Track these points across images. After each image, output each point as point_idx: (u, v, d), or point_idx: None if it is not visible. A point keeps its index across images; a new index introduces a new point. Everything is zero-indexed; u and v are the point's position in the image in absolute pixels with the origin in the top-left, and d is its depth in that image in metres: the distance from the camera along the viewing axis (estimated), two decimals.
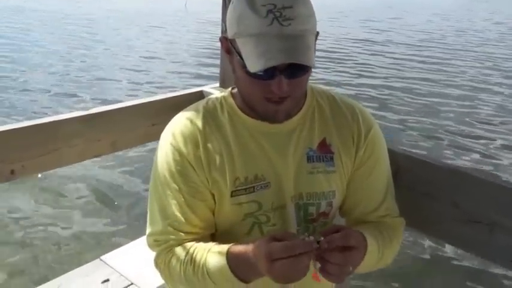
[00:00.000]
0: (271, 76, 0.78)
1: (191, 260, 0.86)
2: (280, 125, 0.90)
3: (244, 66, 0.78)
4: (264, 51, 0.75)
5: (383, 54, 10.43)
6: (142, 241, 0.96)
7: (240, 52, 0.79)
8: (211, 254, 0.85)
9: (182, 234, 0.88)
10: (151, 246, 0.93)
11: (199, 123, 0.90)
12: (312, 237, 0.73)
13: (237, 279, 0.81)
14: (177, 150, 0.88)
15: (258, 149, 0.90)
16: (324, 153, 0.92)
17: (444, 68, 9.17)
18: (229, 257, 0.82)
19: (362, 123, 0.94)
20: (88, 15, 15.57)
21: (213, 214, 0.92)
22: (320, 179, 0.91)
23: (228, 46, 0.84)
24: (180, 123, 0.91)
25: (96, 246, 2.90)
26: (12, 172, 1.23)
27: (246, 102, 0.90)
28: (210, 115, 0.92)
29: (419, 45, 11.83)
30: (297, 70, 0.79)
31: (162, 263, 0.90)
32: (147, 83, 7.37)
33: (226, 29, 0.84)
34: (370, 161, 0.95)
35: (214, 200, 0.90)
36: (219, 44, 0.92)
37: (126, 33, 12.24)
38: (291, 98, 0.84)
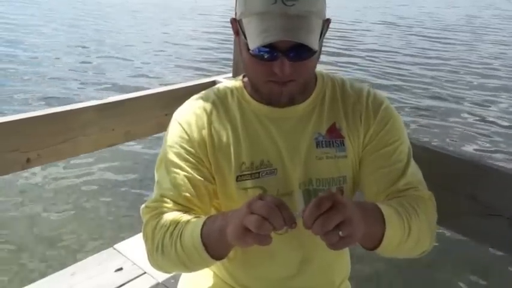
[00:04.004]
0: (274, 57, 0.78)
1: (175, 222, 0.83)
2: (289, 111, 0.90)
3: (248, 47, 0.79)
4: (265, 29, 0.75)
5: None
6: None
7: (245, 32, 0.80)
8: (196, 218, 0.82)
9: (175, 205, 0.87)
10: (142, 214, 0.90)
11: (208, 106, 0.92)
12: (297, 214, 0.69)
13: (203, 246, 0.76)
14: (183, 128, 0.90)
15: (266, 135, 0.90)
16: (333, 138, 0.91)
17: None
18: (208, 218, 0.79)
19: (370, 103, 0.93)
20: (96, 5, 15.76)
21: (209, 197, 0.90)
22: (329, 164, 0.90)
23: (236, 27, 0.85)
24: (190, 105, 0.94)
25: None
26: (28, 160, 1.24)
27: (251, 85, 0.90)
28: (220, 100, 0.93)
29: None
30: (300, 53, 0.78)
31: (150, 231, 0.86)
32: None
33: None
34: (382, 135, 0.92)
35: (216, 184, 0.90)
36: None
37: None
38: (296, 82, 0.84)
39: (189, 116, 0.92)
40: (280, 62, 0.78)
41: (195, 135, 0.89)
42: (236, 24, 0.85)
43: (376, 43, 10.49)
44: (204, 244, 0.77)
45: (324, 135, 0.91)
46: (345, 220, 0.65)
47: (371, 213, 0.78)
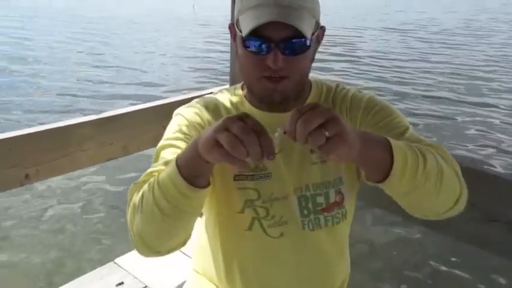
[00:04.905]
0: (267, 50, 0.81)
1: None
2: (285, 117, 0.90)
3: (243, 43, 0.82)
4: (259, 15, 0.79)
5: None
6: None
7: (241, 28, 0.82)
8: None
9: None
10: (128, 193, 0.83)
11: (210, 107, 0.95)
12: (277, 134, 0.65)
13: (176, 168, 0.71)
14: (185, 118, 0.92)
15: None
16: None
17: None
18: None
19: (354, 99, 0.94)
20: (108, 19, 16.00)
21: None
22: (323, 168, 0.91)
23: (234, 31, 0.88)
24: (192, 105, 0.96)
25: None
26: (26, 176, 1.25)
27: (246, 86, 0.92)
28: (222, 103, 0.96)
29: None
30: (293, 46, 0.81)
31: (132, 204, 0.80)
32: None
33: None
34: (371, 116, 0.91)
35: (212, 175, 0.87)
36: None
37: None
38: (289, 80, 0.85)
39: (191, 111, 0.94)
40: (273, 54, 0.80)
41: (197, 125, 0.91)
42: (234, 28, 0.87)
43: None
44: (178, 166, 0.72)
45: None
46: (328, 119, 0.62)
47: (370, 135, 0.74)
